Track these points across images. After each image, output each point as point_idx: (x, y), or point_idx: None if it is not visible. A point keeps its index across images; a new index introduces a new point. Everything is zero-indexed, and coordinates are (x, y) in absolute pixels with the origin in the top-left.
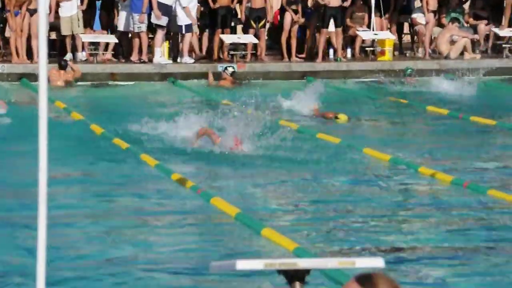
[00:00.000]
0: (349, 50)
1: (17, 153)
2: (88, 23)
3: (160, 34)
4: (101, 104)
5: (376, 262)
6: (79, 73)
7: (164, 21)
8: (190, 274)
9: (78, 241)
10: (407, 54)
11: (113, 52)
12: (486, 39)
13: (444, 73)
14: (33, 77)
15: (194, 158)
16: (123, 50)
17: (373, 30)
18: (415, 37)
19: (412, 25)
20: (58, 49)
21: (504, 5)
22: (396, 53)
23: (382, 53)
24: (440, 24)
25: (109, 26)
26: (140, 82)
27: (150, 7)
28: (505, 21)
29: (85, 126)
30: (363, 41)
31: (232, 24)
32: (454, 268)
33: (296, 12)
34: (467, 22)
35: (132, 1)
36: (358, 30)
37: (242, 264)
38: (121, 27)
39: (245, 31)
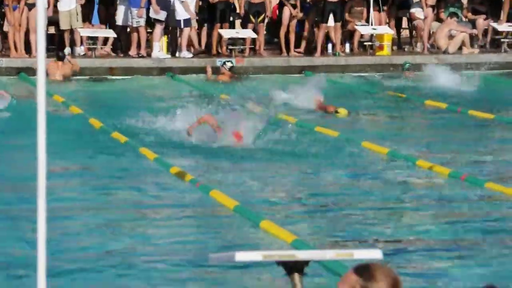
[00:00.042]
0: (347, 45)
1: (16, 147)
2: (86, 18)
3: (158, 28)
4: (99, 98)
5: (374, 254)
6: (77, 67)
7: (162, 15)
8: (189, 265)
9: (78, 234)
10: (406, 49)
11: (111, 47)
12: (485, 34)
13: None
14: (32, 71)
15: (192, 152)
16: (121, 45)
17: (371, 24)
18: (414, 31)
19: (410, 19)
20: (57, 43)
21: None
22: (395, 47)
23: (381, 47)
24: (438, 19)
25: (107, 20)
26: (138, 76)
27: (149, 2)
28: (503, 15)
29: (83, 120)
30: (361, 35)
31: (231, 18)
32: (451, 259)
33: (294, 6)
34: (466, 17)
35: None
36: (356, 25)
37: (241, 256)
38: (119, 21)
39: (244, 25)
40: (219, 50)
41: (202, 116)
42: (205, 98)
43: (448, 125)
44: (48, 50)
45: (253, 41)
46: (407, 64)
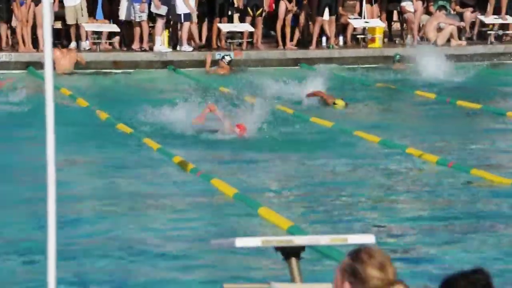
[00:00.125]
0: (341, 38)
1: (25, 138)
2: (91, 13)
3: (160, 23)
4: (104, 91)
5: (367, 238)
6: (83, 61)
7: (163, 10)
8: (191, 250)
9: (85, 220)
10: (397, 41)
11: (113, 41)
12: (472, 26)
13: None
14: (40, 65)
15: (194, 142)
16: (124, 39)
17: (364, 18)
18: (404, 24)
19: (401, 13)
20: (63, 38)
21: None
22: (386, 40)
23: (373, 40)
24: (428, 12)
25: (111, 15)
26: (141, 69)
27: None
28: (490, 8)
29: (90, 112)
30: (354, 28)
31: (229, 13)
32: (440, 243)
33: (290, 0)
34: (454, 10)
35: None
36: (349, 18)
37: (241, 242)
38: (122, 16)
39: (242, 19)
40: (218, 44)
41: (207, 106)
42: (205, 90)
43: (437, 115)
44: (54, 45)
45: (251, 34)
46: (398, 56)
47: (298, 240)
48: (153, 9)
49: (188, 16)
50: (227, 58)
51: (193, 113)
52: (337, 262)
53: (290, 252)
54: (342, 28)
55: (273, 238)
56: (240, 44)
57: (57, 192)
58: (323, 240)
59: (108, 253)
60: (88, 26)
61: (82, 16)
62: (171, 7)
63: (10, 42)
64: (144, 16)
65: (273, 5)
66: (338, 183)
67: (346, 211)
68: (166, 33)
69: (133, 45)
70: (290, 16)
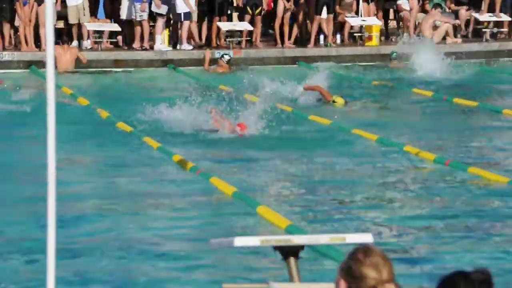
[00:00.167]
0: (338, 36)
1: (26, 137)
2: (92, 12)
3: (160, 22)
4: (104, 89)
5: (366, 238)
6: (84, 60)
7: (164, 9)
8: (191, 249)
9: (85, 218)
10: (393, 39)
11: (116, 40)
12: (467, 24)
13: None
14: (42, 64)
15: (193, 141)
16: (125, 38)
17: (361, 16)
18: (400, 22)
19: (397, 11)
20: (65, 36)
21: None
22: (383, 38)
23: (370, 38)
24: (423, 10)
25: (112, 15)
26: (141, 68)
27: None
28: (484, 6)
29: (90, 110)
30: (351, 27)
31: (229, 12)
32: (437, 242)
33: None
34: (449, 8)
35: None
36: (346, 17)
37: (240, 241)
38: (123, 15)
39: (241, 18)
40: (218, 42)
41: (211, 110)
42: (205, 89)
43: (434, 112)
44: (56, 44)
45: (250, 33)
46: (394, 54)
47: (297, 240)
48: (153, 8)
49: (188, 15)
50: (226, 57)
51: (193, 112)
52: (334, 261)
53: (289, 252)
54: (339, 27)
55: (272, 238)
56: (239, 43)
57: (57, 190)
58: (322, 239)
59: (107, 252)
60: (90, 25)
61: (84, 15)
62: (172, 6)
63: (13, 42)
64: (145, 15)
65: (272, 4)
66: (336, 181)
67: (344, 210)
68: (166, 32)
69: (134, 44)
70: (288, 14)
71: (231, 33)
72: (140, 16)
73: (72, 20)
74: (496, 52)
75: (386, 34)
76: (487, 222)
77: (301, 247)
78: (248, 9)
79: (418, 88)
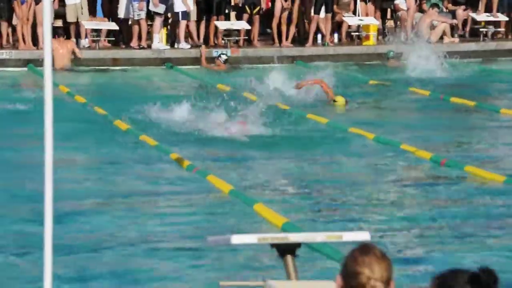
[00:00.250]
0: (336, 35)
1: (24, 135)
2: (91, 11)
3: (158, 21)
4: (102, 88)
5: (363, 236)
6: (79, 54)
7: (161, 8)
8: (188, 246)
9: (82, 217)
10: (390, 39)
11: (112, 38)
12: (464, 24)
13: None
14: (39, 62)
15: (191, 139)
16: (123, 37)
17: (358, 16)
18: (398, 22)
19: (394, 10)
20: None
21: None
22: (380, 37)
23: (367, 38)
24: (421, 10)
25: (110, 13)
26: (139, 67)
27: None
28: (481, 6)
29: (88, 108)
30: (349, 26)
31: (226, 11)
32: (433, 241)
33: None
34: (446, 8)
35: None
36: (344, 16)
37: (237, 239)
38: (121, 14)
39: (239, 17)
40: (216, 41)
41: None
42: (202, 87)
43: (431, 111)
44: (52, 37)
45: (247, 32)
46: (391, 53)
47: (293, 237)
48: (151, 7)
49: (185, 14)
50: (223, 57)
51: (190, 111)
52: (331, 259)
53: (285, 249)
54: (337, 26)
55: (269, 235)
56: (237, 42)
57: (55, 188)
58: (319, 237)
59: (103, 249)
60: (88, 24)
61: (82, 14)
62: (169, 5)
63: (10, 40)
64: (143, 14)
65: (269, 3)
66: (332, 179)
67: (341, 208)
68: (164, 31)
69: (132, 43)
70: (286, 13)
71: (228, 32)
72: (138, 15)
73: (71, 18)
74: (493, 51)
75: (384, 34)
76: (483, 221)
77: (298, 245)
78: (247, 8)
79: (415, 87)
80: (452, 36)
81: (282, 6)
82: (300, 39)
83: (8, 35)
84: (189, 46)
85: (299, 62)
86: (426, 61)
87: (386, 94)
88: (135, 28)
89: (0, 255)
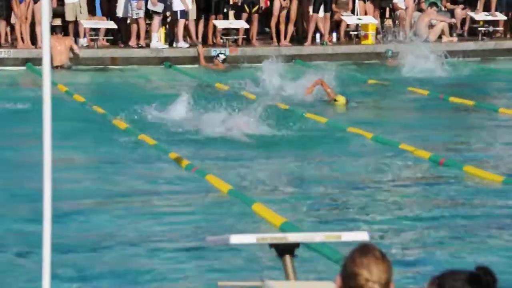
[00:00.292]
0: (334, 34)
1: (22, 135)
2: (90, 10)
3: (156, 20)
4: (100, 87)
5: (361, 236)
6: (77, 50)
7: (160, 7)
8: (187, 245)
9: (81, 216)
10: (389, 38)
11: (111, 37)
12: (463, 23)
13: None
14: (38, 61)
15: (189, 139)
16: (122, 36)
17: (357, 15)
18: (396, 21)
19: (393, 10)
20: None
21: None
22: (379, 36)
23: (366, 37)
24: (419, 9)
25: (109, 12)
26: (138, 66)
27: None
28: (480, 5)
29: (87, 107)
30: (347, 25)
31: (225, 10)
32: (431, 239)
33: None
34: (445, 7)
35: None
36: (343, 15)
37: (236, 239)
38: (120, 13)
39: (238, 16)
40: (214, 40)
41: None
42: (202, 86)
43: (430, 111)
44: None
45: (246, 31)
46: (390, 52)
47: (292, 237)
48: (149, 6)
49: (183, 13)
50: (222, 56)
51: (189, 110)
52: (329, 259)
53: (284, 249)
54: (335, 25)
55: (268, 235)
56: (236, 41)
57: (53, 187)
58: (317, 237)
59: (102, 249)
60: (86, 23)
61: (81, 13)
62: (168, 4)
63: (9, 39)
64: (141, 13)
65: (268, 2)
66: (331, 179)
67: (340, 208)
68: (162, 30)
69: (130, 42)
70: (284, 12)
71: (227, 31)
72: (136, 14)
73: (69, 17)
74: (492, 51)
75: (382, 33)
76: (481, 221)
77: (296, 245)
78: (246, 7)
79: (414, 87)
80: (451, 35)
81: (281, 5)
82: (298, 38)
83: (6, 34)
84: (187, 45)
85: (298, 61)
86: (425, 60)
87: (384, 93)
88: (134, 27)
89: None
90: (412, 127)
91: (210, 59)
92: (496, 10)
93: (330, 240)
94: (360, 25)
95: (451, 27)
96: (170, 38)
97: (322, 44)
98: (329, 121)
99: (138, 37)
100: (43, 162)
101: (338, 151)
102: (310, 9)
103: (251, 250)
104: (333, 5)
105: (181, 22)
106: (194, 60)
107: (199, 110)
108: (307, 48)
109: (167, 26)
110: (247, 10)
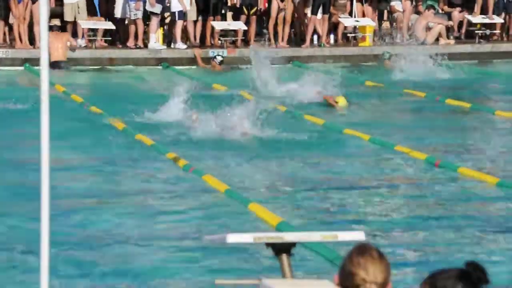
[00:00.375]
0: (332, 36)
1: (20, 134)
2: (90, 11)
3: (154, 21)
4: (98, 87)
5: (358, 235)
6: (74, 44)
7: (158, 8)
8: (184, 245)
9: (78, 215)
10: (386, 40)
11: (109, 38)
12: (460, 26)
13: None
14: (36, 61)
15: (187, 139)
16: (120, 36)
17: (354, 17)
18: (394, 23)
19: (390, 12)
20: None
21: None
22: (376, 38)
23: (363, 39)
24: (417, 11)
25: (107, 13)
26: (135, 66)
27: None
28: (477, 8)
29: (84, 108)
30: (345, 27)
31: (223, 11)
32: (426, 240)
33: None
34: (442, 9)
35: None
36: (340, 17)
37: (233, 238)
38: (118, 14)
39: (236, 18)
40: (212, 42)
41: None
42: (199, 87)
43: (427, 113)
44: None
45: (244, 32)
46: (387, 54)
47: (289, 237)
48: (148, 7)
49: (181, 14)
50: (219, 58)
51: (186, 110)
52: (325, 258)
53: (281, 249)
54: (333, 27)
55: (264, 235)
56: (234, 42)
57: (51, 187)
58: (314, 237)
59: (100, 247)
60: (84, 24)
61: (79, 13)
62: (166, 5)
63: (7, 39)
64: (139, 14)
65: (266, 4)
66: (327, 180)
67: (336, 208)
68: (160, 31)
69: (128, 42)
70: (282, 14)
71: (225, 33)
72: (134, 14)
73: (68, 17)
74: (489, 53)
75: (380, 35)
76: (476, 222)
77: (293, 244)
78: (244, 9)
79: (411, 89)
80: (448, 37)
81: (279, 7)
82: (296, 40)
83: (4, 34)
84: (185, 46)
85: (296, 63)
86: (422, 62)
87: (381, 95)
88: (132, 27)
89: None
90: (408, 129)
91: (207, 60)
92: (493, 13)
93: (326, 239)
94: (357, 27)
95: (448, 29)
96: (168, 39)
97: (319, 45)
98: (326, 123)
99: (136, 37)
100: (41, 162)
101: (334, 152)
102: (308, 11)
103: (248, 249)
104: (331, 7)
105: (179, 23)
106: (192, 61)
107: (196, 111)
108: (304, 50)
109: (165, 27)
110: (246, 11)
